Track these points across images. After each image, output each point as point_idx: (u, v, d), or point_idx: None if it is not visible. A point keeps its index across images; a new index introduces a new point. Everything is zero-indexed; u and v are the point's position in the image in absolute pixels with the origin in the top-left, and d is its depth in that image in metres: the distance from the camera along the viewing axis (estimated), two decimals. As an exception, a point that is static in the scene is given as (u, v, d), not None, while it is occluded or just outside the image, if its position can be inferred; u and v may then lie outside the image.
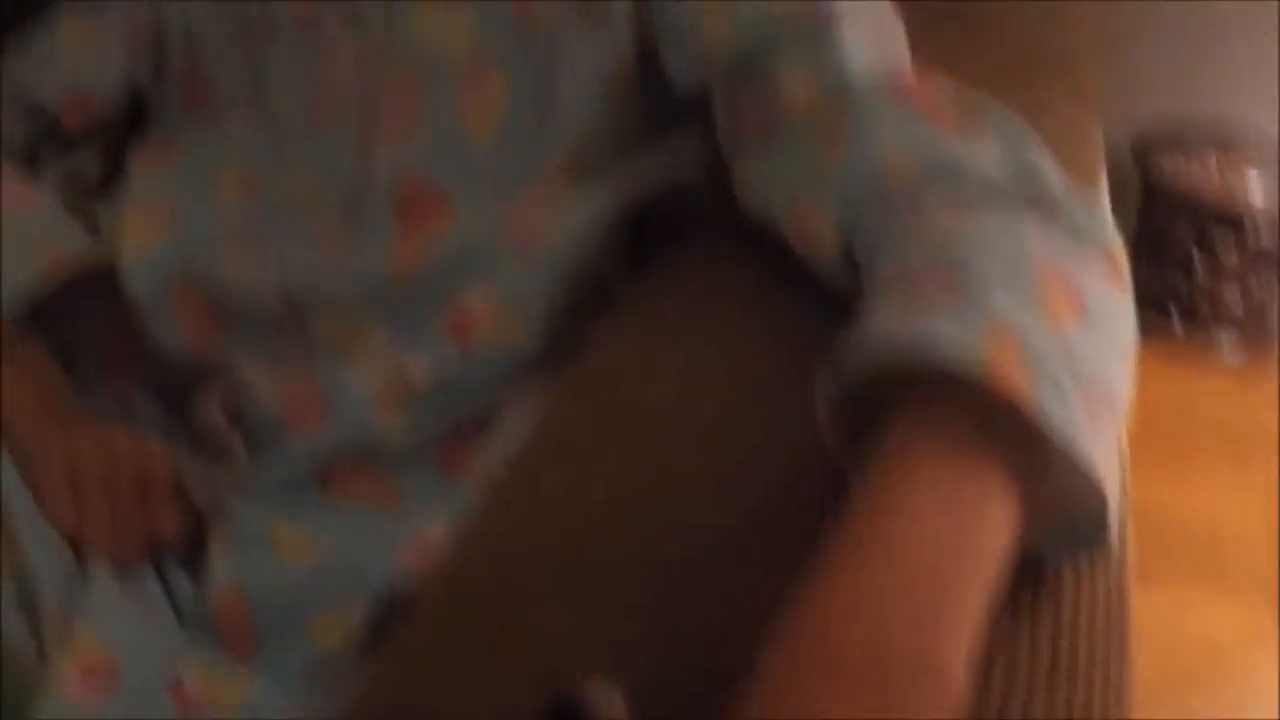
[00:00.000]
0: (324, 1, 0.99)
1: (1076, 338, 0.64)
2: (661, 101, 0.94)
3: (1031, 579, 0.68)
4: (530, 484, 0.77)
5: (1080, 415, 0.60)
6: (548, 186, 0.93)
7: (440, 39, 0.95)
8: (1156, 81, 1.56)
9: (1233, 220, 1.57)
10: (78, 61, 1.08)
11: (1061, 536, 0.66)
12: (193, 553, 0.95)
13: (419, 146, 0.95)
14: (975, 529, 0.58)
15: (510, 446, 0.86)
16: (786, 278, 0.86)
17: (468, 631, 0.68)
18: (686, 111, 0.93)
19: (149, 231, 1.00)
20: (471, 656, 0.66)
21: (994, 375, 0.59)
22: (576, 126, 0.93)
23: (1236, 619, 1.57)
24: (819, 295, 0.83)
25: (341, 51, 0.97)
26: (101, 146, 1.12)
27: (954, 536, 0.57)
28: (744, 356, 0.84)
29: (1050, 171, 0.77)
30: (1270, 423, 1.58)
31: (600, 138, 0.94)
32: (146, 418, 1.03)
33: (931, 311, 0.63)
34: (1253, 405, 1.61)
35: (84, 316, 1.03)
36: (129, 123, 1.10)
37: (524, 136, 0.93)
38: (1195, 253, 1.59)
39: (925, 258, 0.69)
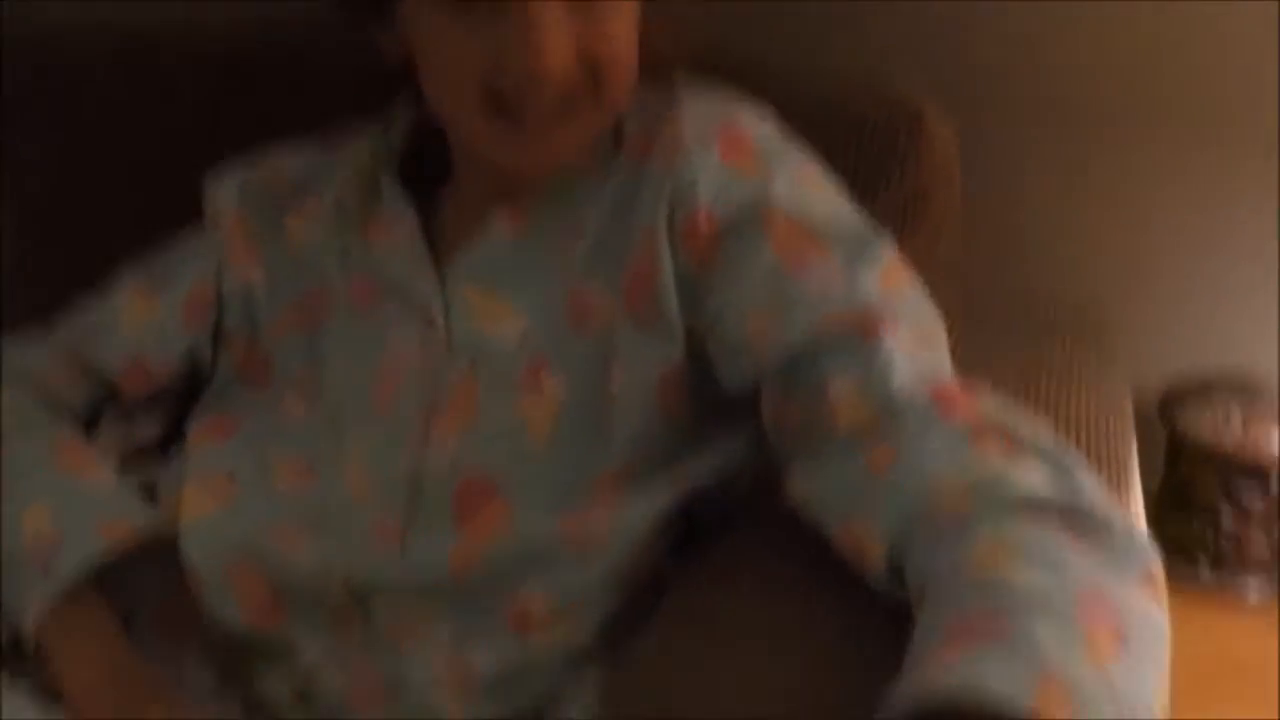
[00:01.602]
0: (382, 287, 1.04)
1: (1119, 670, 0.68)
2: (712, 400, 0.97)
3: None
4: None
5: None
6: (604, 487, 0.96)
7: (497, 333, 0.99)
8: (1181, 335, 1.62)
9: (1257, 471, 1.61)
10: (140, 332, 1.13)
11: None
12: None
13: (477, 440, 0.98)
14: None
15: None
16: (835, 573, 0.89)
17: None
18: (738, 410, 0.97)
19: (208, 504, 1.03)
20: None
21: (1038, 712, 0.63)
22: (632, 426, 0.97)
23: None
24: (864, 596, 0.87)
25: (400, 339, 1.02)
26: (161, 413, 1.16)
27: None
28: (791, 657, 0.87)
29: (1091, 489, 0.80)
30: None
31: (655, 437, 0.97)
32: (200, 686, 1.05)
33: (981, 656, 0.67)
34: (1280, 646, 1.65)
35: (143, 585, 1.06)
36: (190, 390, 1.15)
37: (581, 436, 0.97)
38: (1221, 502, 1.63)
39: (972, 595, 0.73)
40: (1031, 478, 0.80)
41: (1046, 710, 0.63)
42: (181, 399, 1.16)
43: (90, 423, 1.16)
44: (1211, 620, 1.65)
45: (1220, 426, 1.62)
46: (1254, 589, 1.69)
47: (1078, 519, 0.77)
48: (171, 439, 1.15)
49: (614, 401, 0.96)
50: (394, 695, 0.98)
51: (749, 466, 1.00)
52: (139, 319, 1.13)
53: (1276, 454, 1.61)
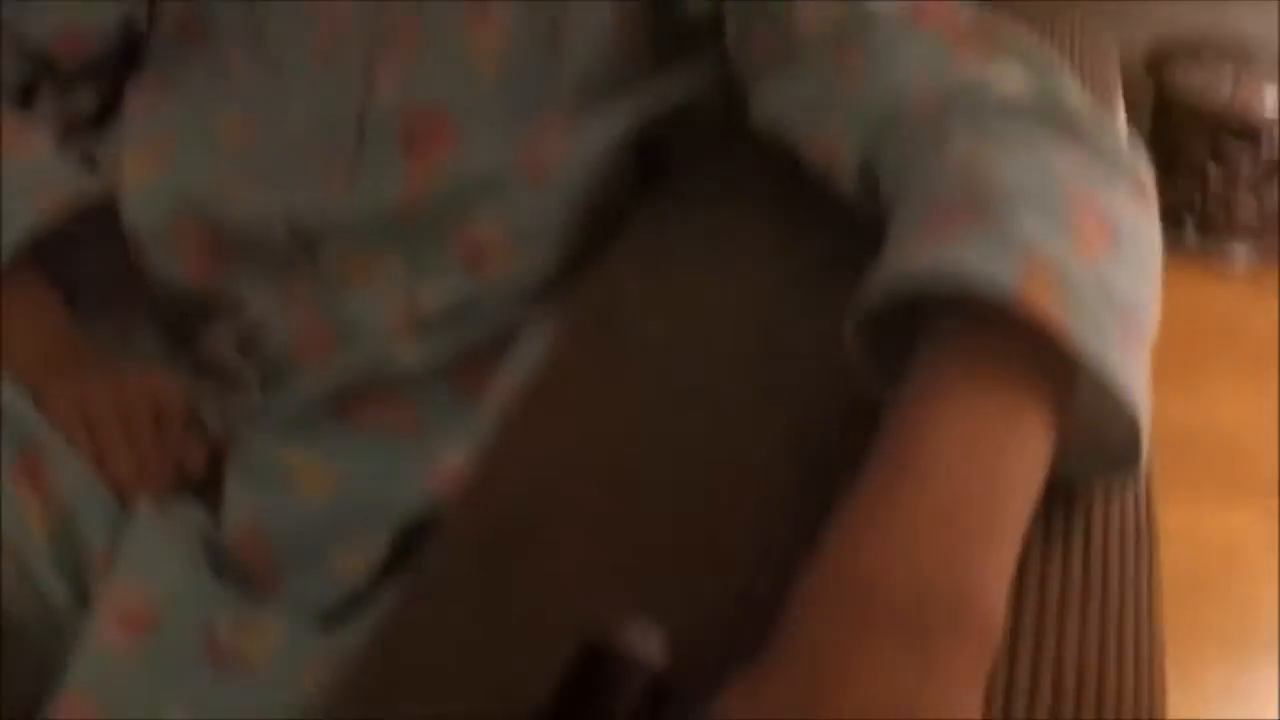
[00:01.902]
0: None
1: (1108, 265, 0.64)
2: (672, 26, 0.93)
3: (1062, 503, 0.68)
4: (548, 417, 0.77)
5: (1114, 341, 0.60)
6: (558, 114, 0.93)
7: None
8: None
9: (1248, 132, 1.56)
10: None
11: (1092, 461, 0.66)
12: (210, 489, 0.96)
13: (423, 72, 0.94)
14: (1010, 459, 0.59)
15: (525, 371, 0.86)
16: (804, 198, 0.86)
17: (491, 567, 0.68)
18: (698, 35, 0.93)
19: (148, 166, 1.00)
20: (495, 594, 0.66)
21: (1026, 300, 0.59)
22: (585, 54, 0.92)
23: (1248, 524, 1.59)
24: (837, 218, 0.83)
25: None
26: (97, 85, 1.11)
27: (989, 468, 0.58)
28: (762, 284, 0.84)
29: (1075, 95, 0.76)
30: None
31: (610, 64, 0.93)
32: (150, 353, 1.03)
33: (961, 240, 0.63)
34: (1266, 313, 1.62)
35: (85, 254, 1.03)
36: (125, 61, 1.09)
37: (531, 66, 0.92)
38: (1209, 164, 1.59)
39: (952, 187, 0.68)
40: (1013, 82, 0.76)
41: (1032, 294, 0.59)
42: (119, 69, 1.10)
43: (26, 100, 1.11)
44: (1197, 285, 1.64)
45: (1210, 86, 1.57)
46: (1240, 254, 1.66)
47: (1063, 123, 0.73)
48: (109, 114, 1.10)
49: (566, 29, 0.92)
50: (342, 341, 0.95)
51: (712, 99, 0.95)
52: None
53: (1268, 115, 1.56)
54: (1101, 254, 0.64)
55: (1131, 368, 0.61)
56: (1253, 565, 1.58)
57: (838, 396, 0.71)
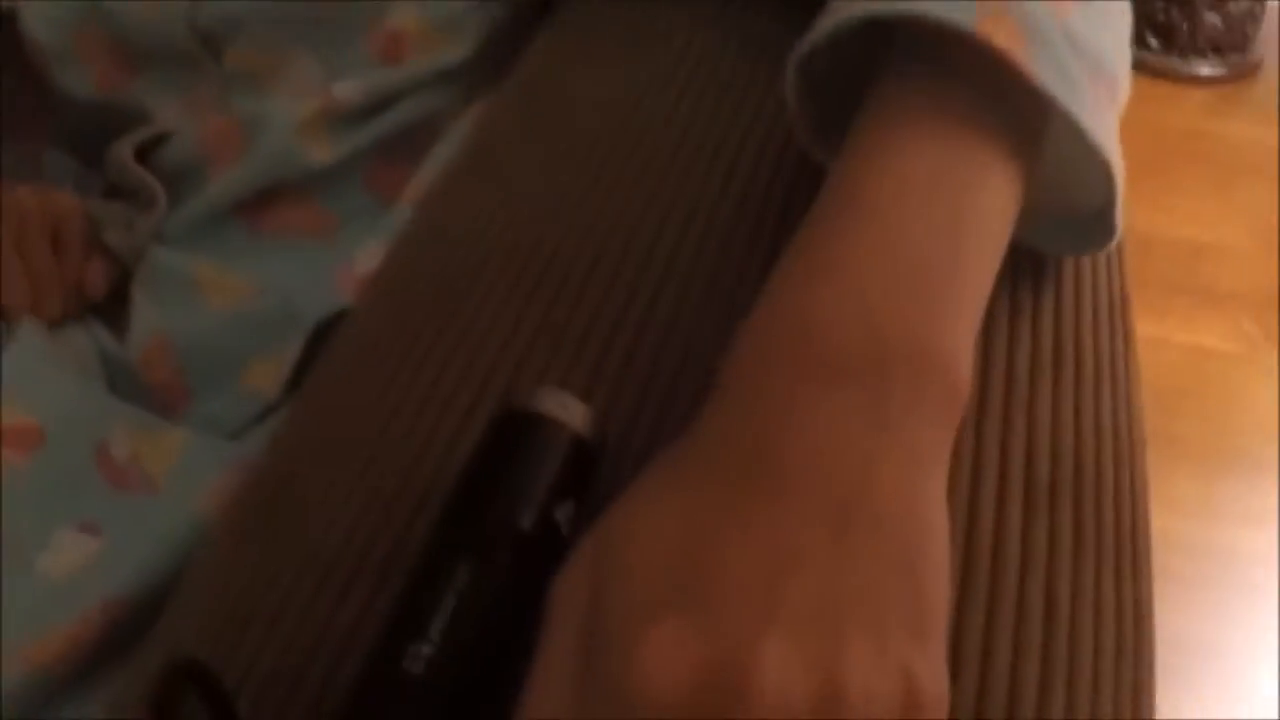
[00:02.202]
0: None
1: (1076, 19, 0.57)
2: None
3: (1031, 276, 0.62)
4: (467, 190, 0.70)
5: (1084, 90, 0.54)
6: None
7: None
8: None
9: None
10: None
11: (1063, 233, 0.60)
12: (117, 308, 0.90)
13: None
14: (971, 201, 0.51)
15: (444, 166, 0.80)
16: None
17: (401, 344, 0.62)
18: None
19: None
20: (407, 370, 0.60)
21: (986, 32, 0.52)
22: None
23: (1218, 336, 1.55)
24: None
25: None
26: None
27: (952, 205, 0.50)
28: (699, 62, 0.76)
29: None
30: (1249, 141, 1.54)
31: None
32: (59, 175, 0.98)
33: None
34: (1232, 125, 1.57)
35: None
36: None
37: None
38: (1174, -27, 1.52)
39: None
40: None
41: (996, 36, 0.52)
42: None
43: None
44: (1162, 100, 1.58)
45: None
46: (1205, 68, 1.59)
47: None
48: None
49: None
50: (251, 142, 0.88)
51: None
52: None
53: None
54: (1067, 9, 0.57)
55: (1102, 124, 0.54)
56: (1224, 377, 1.54)
57: (783, 161, 0.64)
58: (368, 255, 0.82)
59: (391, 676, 0.44)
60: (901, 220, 0.49)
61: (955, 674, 0.45)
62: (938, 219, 0.49)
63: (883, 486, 0.44)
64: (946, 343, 0.48)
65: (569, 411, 0.49)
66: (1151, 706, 0.49)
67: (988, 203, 0.52)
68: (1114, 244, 0.62)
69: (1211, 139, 1.56)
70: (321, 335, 0.81)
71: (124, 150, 0.92)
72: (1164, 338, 1.53)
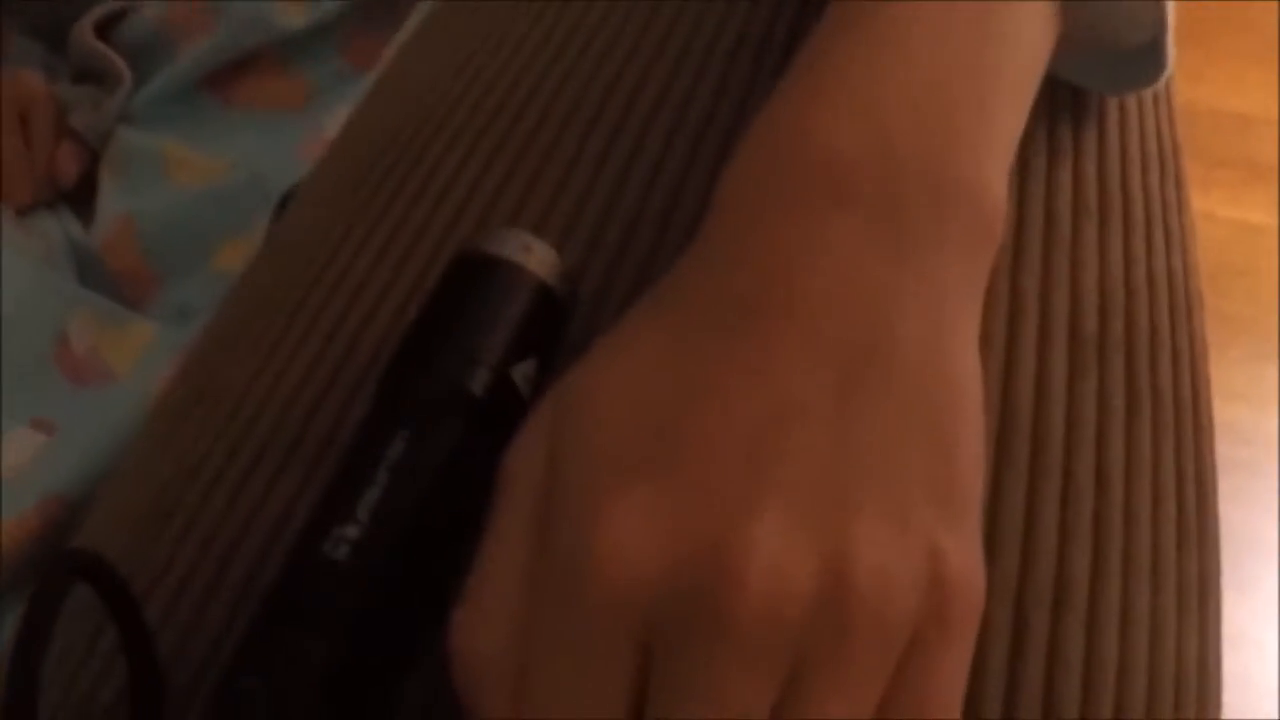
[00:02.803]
0: None
1: None
2: None
3: (1071, 115, 0.53)
4: (434, 45, 0.61)
5: None
6: None
7: None
8: None
9: None
10: None
11: (1107, 65, 0.51)
12: (88, 195, 0.83)
13: None
14: (998, 25, 0.42)
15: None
16: None
17: (355, 202, 0.53)
18: None
19: None
20: (360, 230, 0.52)
21: None
22: None
23: (1268, 206, 1.45)
24: None
25: None
26: None
27: (971, 32, 0.41)
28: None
29: None
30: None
31: None
32: (27, 62, 0.89)
33: None
34: (1277, -2, 1.48)
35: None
36: None
37: None
38: None
39: None
40: None
41: None
42: None
43: None
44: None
45: None
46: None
47: None
48: None
49: None
50: (221, 10, 0.82)
51: None
52: None
53: None
54: None
55: None
56: (1273, 252, 1.44)
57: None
58: (336, 121, 0.74)
59: (312, 564, 0.36)
60: (918, 40, 0.40)
61: (991, 556, 0.37)
62: (960, 42, 0.40)
63: (904, 328, 0.35)
64: (972, 170, 0.39)
65: (533, 256, 0.41)
66: (1218, 600, 0.41)
67: (1016, 28, 0.43)
68: (1164, 80, 0.53)
69: (1259, 7, 1.45)
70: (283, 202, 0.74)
71: (84, 29, 0.85)
72: (1209, 212, 1.43)
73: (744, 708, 0.31)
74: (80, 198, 0.84)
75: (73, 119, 0.84)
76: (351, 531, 0.36)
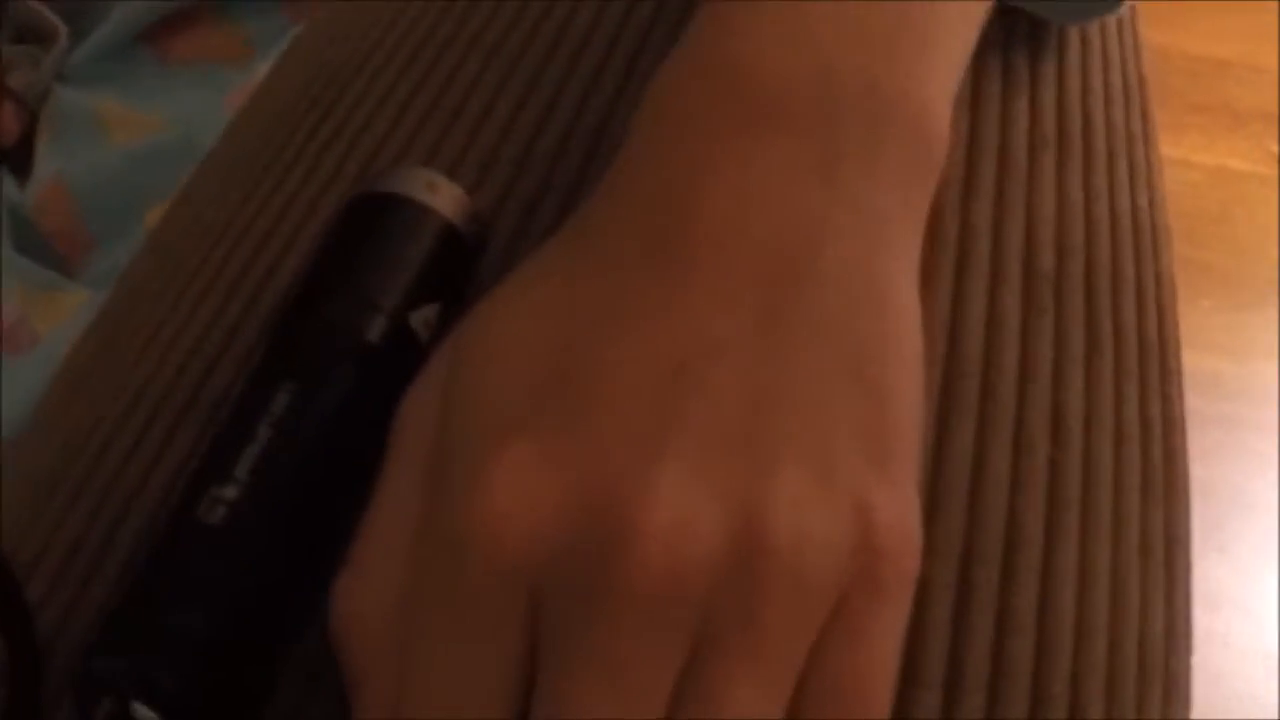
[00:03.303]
0: None
1: None
2: None
3: (1027, 46, 0.49)
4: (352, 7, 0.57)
5: None
6: None
7: None
8: None
9: None
10: None
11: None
12: (24, 156, 0.78)
13: None
14: None
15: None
16: None
17: (269, 150, 0.49)
18: None
19: None
20: (273, 176, 0.48)
21: None
22: None
23: (1245, 152, 1.40)
24: None
25: None
26: None
27: None
28: None
29: None
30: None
31: None
32: None
33: None
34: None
35: None
36: None
37: None
38: None
39: None
40: None
41: None
42: None
43: None
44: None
45: None
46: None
47: None
48: None
49: None
50: None
51: None
52: None
53: None
54: None
55: None
56: (1250, 201, 1.40)
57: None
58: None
59: (185, 530, 0.32)
60: None
61: (932, 511, 0.33)
62: None
63: (833, 257, 0.31)
64: (914, 89, 0.35)
65: (438, 194, 0.37)
66: (1187, 557, 0.37)
67: None
68: (1125, 7, 0.49)
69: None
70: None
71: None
72: (1183, 158, 1.38)
73: (642, 682, 0.27)
74: (19, 159, 0.80)
75: (11, 79, 0.80)
76: (229, 492, 0.32)
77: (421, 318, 0.35)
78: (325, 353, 0.34)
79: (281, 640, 0.33)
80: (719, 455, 0.28)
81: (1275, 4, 1.48)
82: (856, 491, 0.29)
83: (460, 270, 0.37)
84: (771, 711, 0.28)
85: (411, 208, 0.36)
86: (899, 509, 0.29)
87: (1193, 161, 1.39)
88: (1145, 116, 0.51)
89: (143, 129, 0.77)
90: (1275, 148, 1.43)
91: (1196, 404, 0.43)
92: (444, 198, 0.36)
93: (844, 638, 0.28)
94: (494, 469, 0.28)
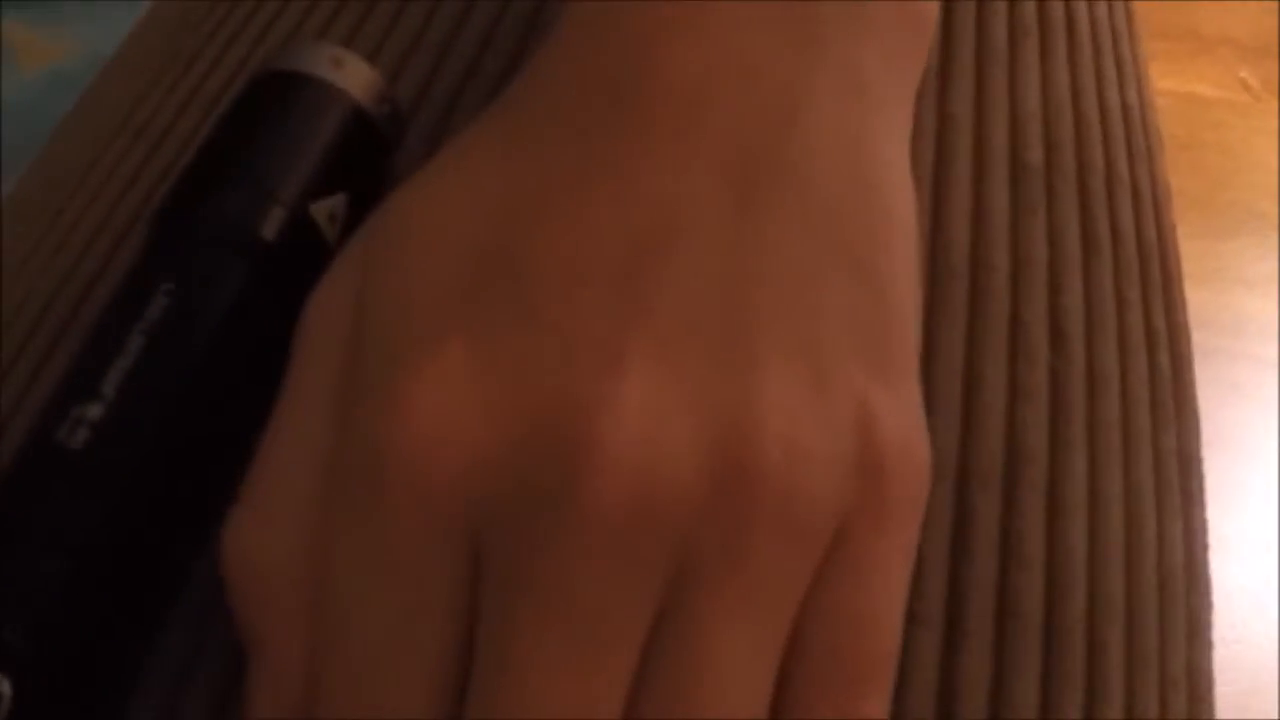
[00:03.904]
0: None
1: None
2: None
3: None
4: None
5: None
6: None
7: None
8: None
9: None
10: None
11: None
12: None
13: None
14: None
15: None
16: None
17: (169, 47, 0.43)
18: None
19: None
20: (172, 73, 0.42)
21: None
22: None
23: (1214, 78, 1.35)
24: None
25: None
26: None
27: None
28: None
29: None
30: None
31: None
32: None
33: None
34: None
35: None
36: None
37: None
38: None
39: None
40: None
41: None
42: None
43: None
44: None
45: None
46: None
47: None
48: None
49: None
50: None
51: None
52: None
53: None
54: None
55: None
56: (1220, 128, 1.35)
57: None
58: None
59: (43, 454, 0.26)
60: None
61: (928, 414, 0.28)
62: None
63: (815, 125, 0.25)
64: None
65: (343, 71, 0.31)
66: (1201, 480, 0.32)
67: None
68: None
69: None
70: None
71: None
72: (1156, 87, 1.33)
73: (610, 633, 0.22)
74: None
75: None
76: (94, 411, 0.26)
77: (325, 210, 0.29)
78: (210, 249, 0.28)
79: (158, 591, 0.27)
80: (692, 352, 0.23)
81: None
82: (855, 396, 0.23)
83: (371, 158, 0.31)
84: (766, 659, 0.22)
85: (313, 86, 0.30)
86: (904, 418, 0.24)
87: (1160, 88, 1.34)
88: (1128, 14, 0.46)
89: (52, 53, 0.71)
90: (1244, 73, 1.38)
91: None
92: (351, 75, 0.31)
93: (847, 571, 0.23)
94: (416, 382, 0.23)
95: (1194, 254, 1.28)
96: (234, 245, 0.28)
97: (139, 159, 0.39)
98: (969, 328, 0.30)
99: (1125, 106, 0.41)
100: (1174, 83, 1.35)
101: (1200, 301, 1.26)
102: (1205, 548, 0.30)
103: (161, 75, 0.42)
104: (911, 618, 0.25)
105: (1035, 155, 0.35)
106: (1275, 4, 1.40)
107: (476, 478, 0.22)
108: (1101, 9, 0.45)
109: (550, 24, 0.33)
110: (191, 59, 0.42)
